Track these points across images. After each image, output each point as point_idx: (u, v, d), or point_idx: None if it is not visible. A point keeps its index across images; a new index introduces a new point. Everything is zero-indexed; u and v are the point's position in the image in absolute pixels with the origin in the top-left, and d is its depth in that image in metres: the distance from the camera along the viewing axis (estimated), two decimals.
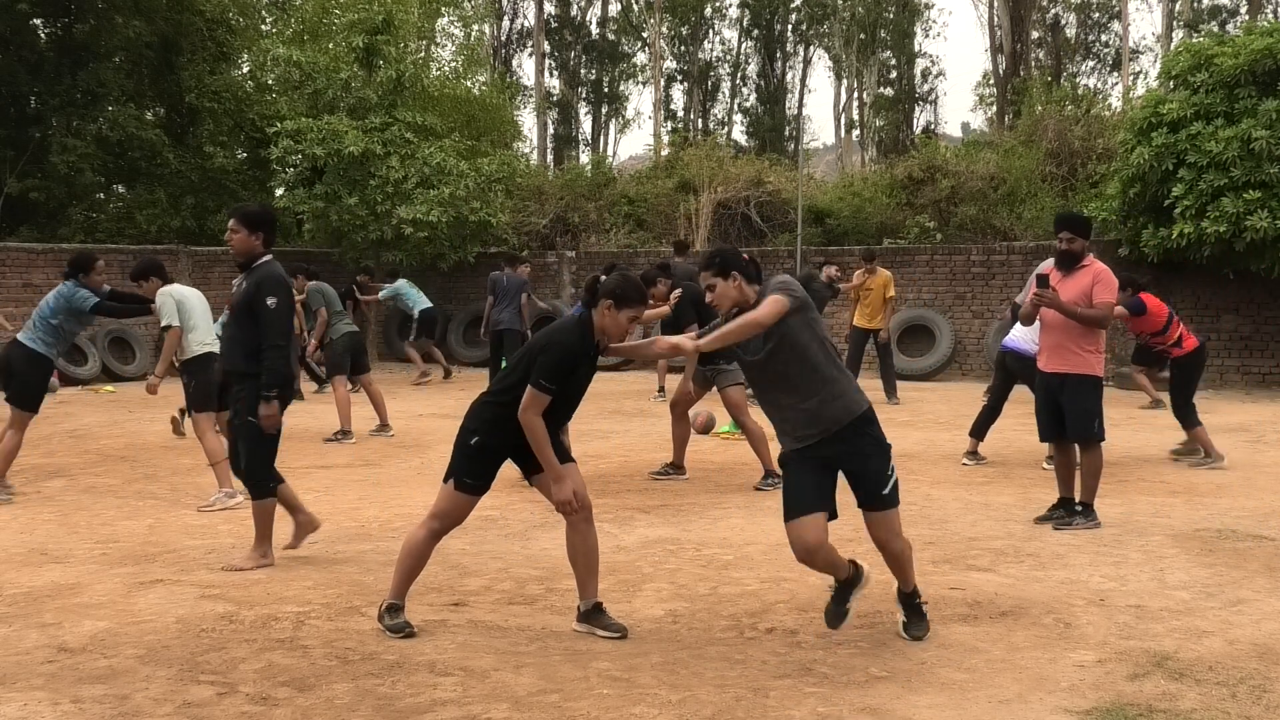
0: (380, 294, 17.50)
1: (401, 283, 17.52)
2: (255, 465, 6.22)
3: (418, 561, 5.07)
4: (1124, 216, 16.34)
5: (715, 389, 9.11)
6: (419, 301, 17.36)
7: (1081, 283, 7.13)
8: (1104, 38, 42.63)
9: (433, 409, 13.76)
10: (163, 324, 8.24)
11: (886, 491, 4.84)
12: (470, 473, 4.96)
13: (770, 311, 4.70)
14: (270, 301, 6.04)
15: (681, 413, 9.03)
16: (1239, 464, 9.66)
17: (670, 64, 44.82)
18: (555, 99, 44.07)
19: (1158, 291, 10.69)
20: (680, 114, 45.35)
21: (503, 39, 44.10)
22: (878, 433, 4.89)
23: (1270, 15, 34.39)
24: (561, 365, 4.81)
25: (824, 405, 4.78)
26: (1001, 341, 9.95)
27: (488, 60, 35.10)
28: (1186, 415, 9.67)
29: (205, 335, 8.38)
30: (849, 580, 5.00)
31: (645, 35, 43.87)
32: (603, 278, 5.03)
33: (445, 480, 5.01)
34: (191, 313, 8.30)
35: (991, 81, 40.09)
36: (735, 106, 46.57)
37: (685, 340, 4.83)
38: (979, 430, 9.80)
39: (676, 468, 9.09)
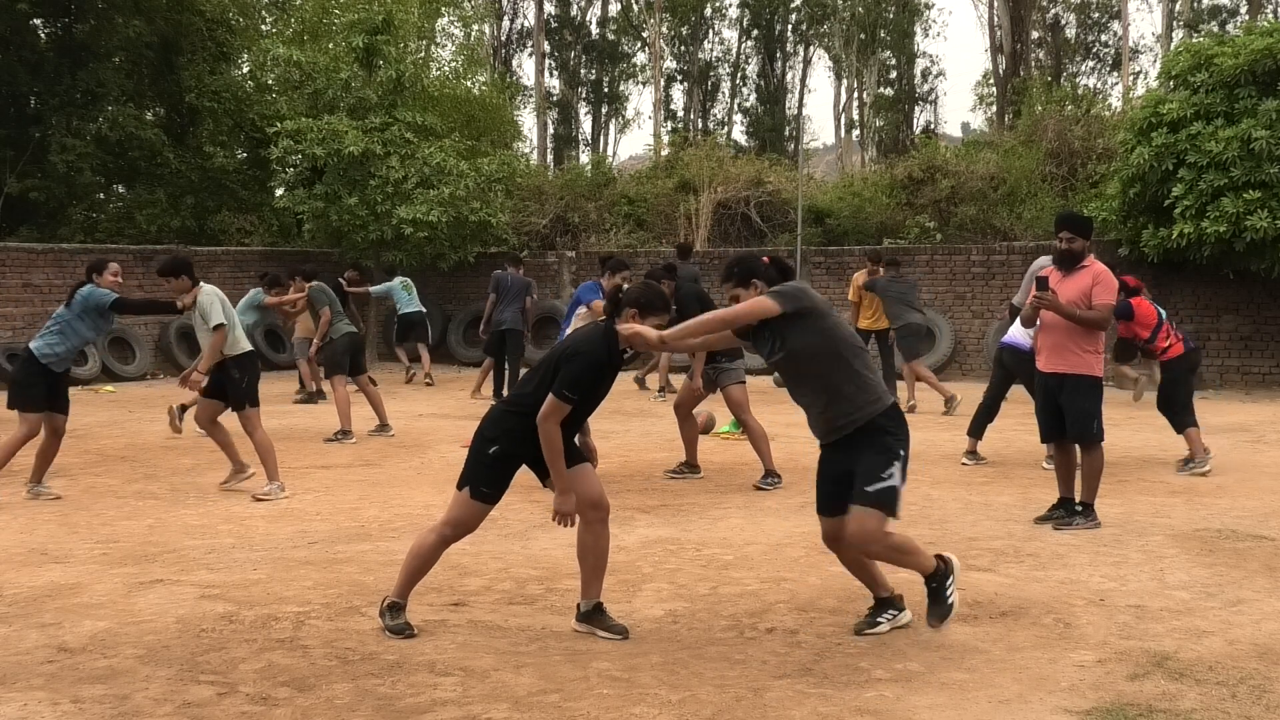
0: (373, 290, 17.49)
1: (396, 282, 17.54)
2: None
3: (424, 564, 5.06)
4: (1124, 216, 16.33)
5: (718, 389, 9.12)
6: (405, 304, 17.39)
7: (1081, 283, 7.12)
8: (1104, 38, 42.66)
9: (433, 409, 13.77)
10: (212, 324, 8.29)
11: (872, 489, 4.67)
12: (487, 481, 4.92)
13: (740, 310, 4.73)
14: None
15: (686, 413, 9.07)
16: (1239, 464, 9.65)
17: (670, 64, 44.84)
18: (555, 99, 44.08)
19: (1157, 292, 10.67)
20: (680, 114, 45.40)
21: (503, 39, 44.12)
22: (887, 440, 4.74)
23: (1270, 15, 34.38)
24: (586, 375, 4.78)
25: (833, 412, 4.79)
26: (1000, 339, 9.96)
27: (488, 60, 35.10)
28: (1180, 418, 9.54)
29: (241, 332, 8.62)
30: (940, 572, 4.91)
31: (645, 35, 43.85)
32: (624, 287, 4.98)
33: (460, 488, 4.96)
34: (230, 312, 8.49)
35: (991, 81, 40.09)
36: (735, 106, 46.62)
37: (649, 330, 4.78)
38: (977, 430, 9.80)
39: (691, 467, 9.13)
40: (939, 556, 4.96)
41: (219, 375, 8.53)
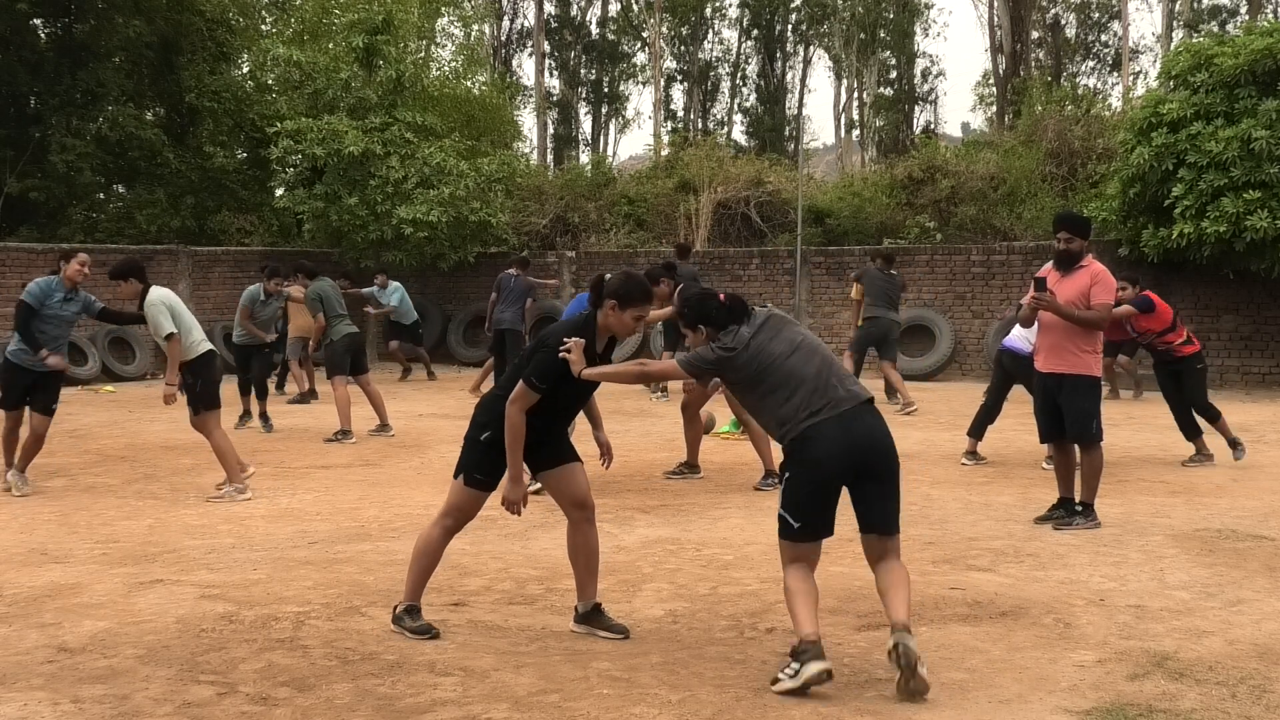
0: (392, 301, 17.54)
1: (401, 288, 17.70)
2: None
3: (431, 560, 5.06)
4: (1124, 216, 16.34)
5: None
6: (408, 315, 17.60)
7: (1080, 283, 7.12)
8: (1104, 38, 42.65)
9: (433, 409, 13.77)
10: (163, 335, 8.14)
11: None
12: (480, 468, 4.93)
13: (654, 370, 5.11)
14: None
15: (693, 414, 9.10)
16: (1239, 464, 9.65)
17: (670, 64, 44.82)
18: (555, 99, 44.06)
19: (1158, 291, 10.63)
20: (680, 114, 45.36)
21: (503, 39, 44.10)
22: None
23: (1270, 15, 34.38)
24: (556, 365, 4.76)
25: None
26: (1001, 341, 9.96)
27: (488, 60, 35.09)
28: (1209, 411, 9.72)
29: (199, 334, 8.42)
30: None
31: (645, 35, 43.84)
32: (607, 277, 4.99)
33: (455, 476, 4.99)
34: (182, 315, 8.27)
35: (991, 81, 40.09)
36: (735, 106, 46.59)
37: (577, 361, 4.74)
38: (977, 430, 9.81)
39: (691, 467, 9.15)
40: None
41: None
